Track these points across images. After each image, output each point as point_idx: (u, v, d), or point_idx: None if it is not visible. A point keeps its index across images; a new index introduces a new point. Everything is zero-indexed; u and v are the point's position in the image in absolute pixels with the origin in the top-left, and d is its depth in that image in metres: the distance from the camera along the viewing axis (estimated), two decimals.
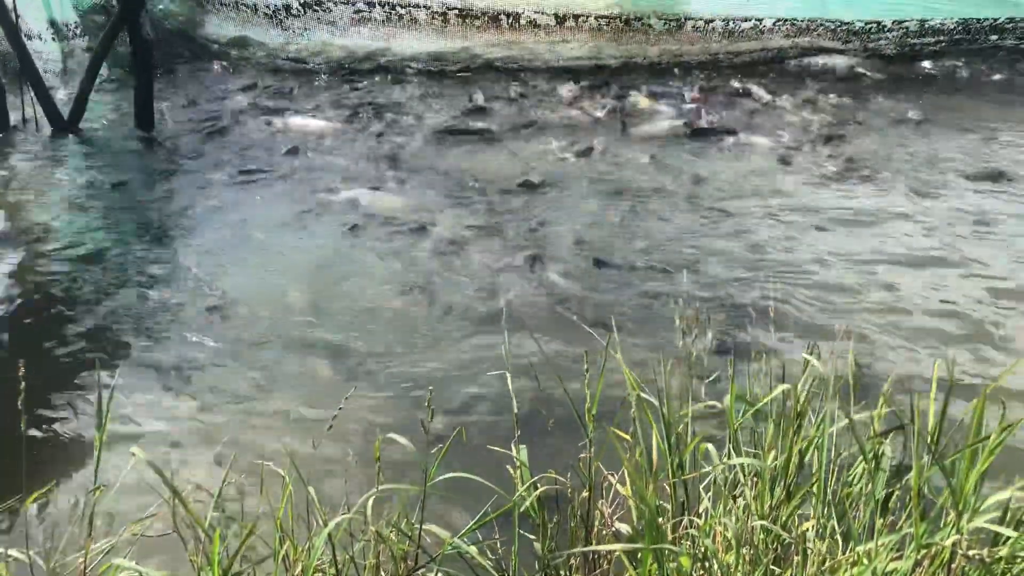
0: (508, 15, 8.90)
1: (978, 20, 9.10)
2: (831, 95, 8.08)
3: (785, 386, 2.35)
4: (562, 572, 2.27)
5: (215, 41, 9.23)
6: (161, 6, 8.76)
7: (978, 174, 6.27)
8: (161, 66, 8.11)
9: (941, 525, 2.00)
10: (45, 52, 8.49)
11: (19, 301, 4.58)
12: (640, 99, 8.05)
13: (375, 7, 8.89)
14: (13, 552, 2.08)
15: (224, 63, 8.90)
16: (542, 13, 8.91)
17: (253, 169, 6.50)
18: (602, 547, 2.10)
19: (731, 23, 8.98)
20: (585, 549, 2.18)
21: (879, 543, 1.87)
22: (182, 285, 4.74)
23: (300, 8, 9.01)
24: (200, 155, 6.85)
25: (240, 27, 9.19)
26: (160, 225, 5.61)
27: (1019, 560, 1.87)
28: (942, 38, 9.13)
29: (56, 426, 3.52)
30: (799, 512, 2.21)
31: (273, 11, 9.07)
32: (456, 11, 8.88)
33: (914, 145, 6.92)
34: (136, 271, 4.91)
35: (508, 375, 2.44)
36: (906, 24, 9.06)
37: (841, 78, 8.66)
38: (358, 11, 8.94)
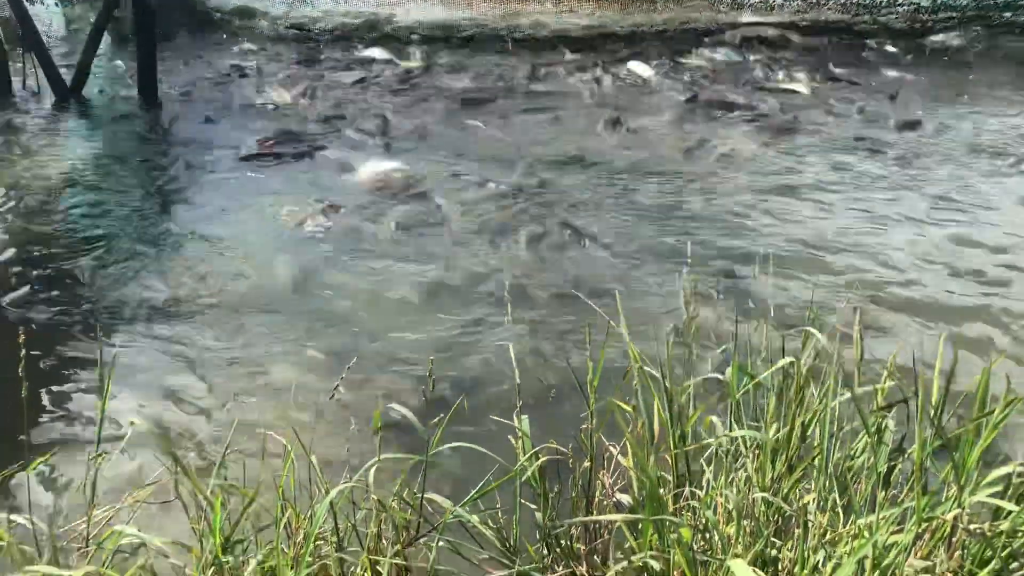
0: None
1: None
2: None
3: (789, 359, 2.34)
4: (563, 541, 2.28)
5: (217, 9, 9.18)
6: None
7: None
8: (162, 34, 8.06)
9: (943, 499, 2.00)
10: (47, 18, 8.44)
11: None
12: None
13: None
14: (16, 518, 2.09)
15: (226, 32, 8.85)
16: None
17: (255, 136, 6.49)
18: (603, 517, 2.10)
19: None
20: (586, 519, 2.18)
21: (880, 516, 1.86)
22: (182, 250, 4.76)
23: None
24: (203, 124, 6.83)
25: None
26: (161, 192, 5.60)
27: (1020, 534, 1.87)
28: (954, 14, 9.03)
29: (57, 392, 3.53)
30: (801, 485, 2.21)
31: None
32: None
33: None
34: (136, 234, 4.91)
35: (511, 346, 2.43)
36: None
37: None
38: None
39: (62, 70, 7.36)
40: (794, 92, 7.55)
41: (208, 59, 8.37)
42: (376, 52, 8.25)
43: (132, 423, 2.05)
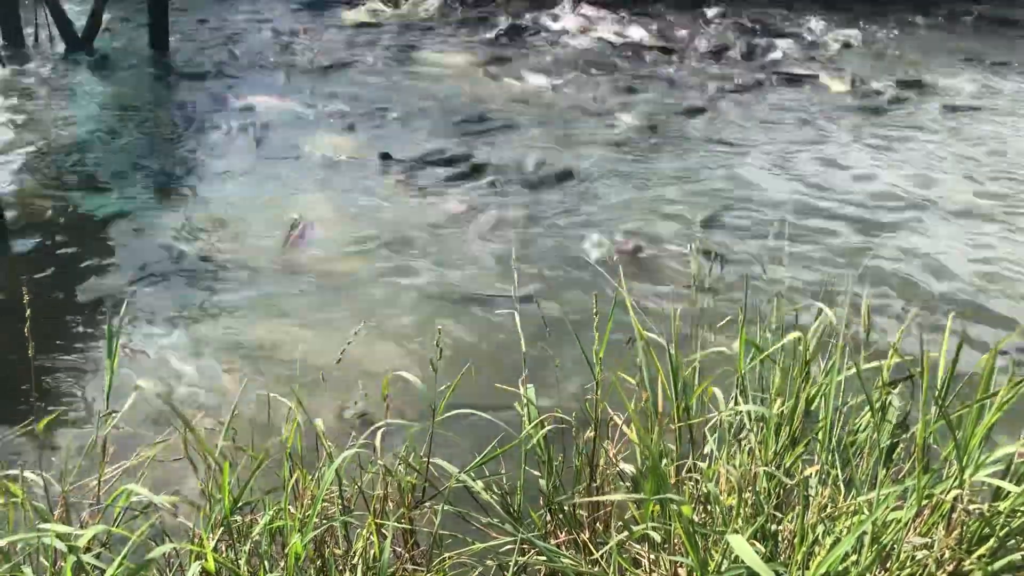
0: None
1: None
2: None
3: (796, 334, 2.34)
4: (566, 508, 2.30)
5: None
6: None
7: None
8: None
9: (944, 477, 2.01)
10: None
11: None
12: None
13: None
14: (28, 474, 2.12)
15: None
16: None
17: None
18: (605, 498, 2.11)
19: None
20: (590, 499, 2.20)
21: (881, 493, 1.87)
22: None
23: None
24: (212, 76, 6.80)
25: None
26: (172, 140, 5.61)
27: (1019, 514, 1.88)
28: None
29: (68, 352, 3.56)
30: (803, 459, 2.23)
31: None
32: None
33: None
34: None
35: (516, 314, 2.44)
36: None
37: None
38: None
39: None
40: None
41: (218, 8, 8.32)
42: None
43: (137, 387, 2.06)
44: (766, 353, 2.37)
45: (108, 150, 5.48)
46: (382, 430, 2.23)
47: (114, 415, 2.19)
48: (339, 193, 5.03)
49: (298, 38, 7.72)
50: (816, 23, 8.37)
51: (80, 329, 3.68)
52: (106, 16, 7.55)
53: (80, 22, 7.29)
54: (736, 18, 8.72)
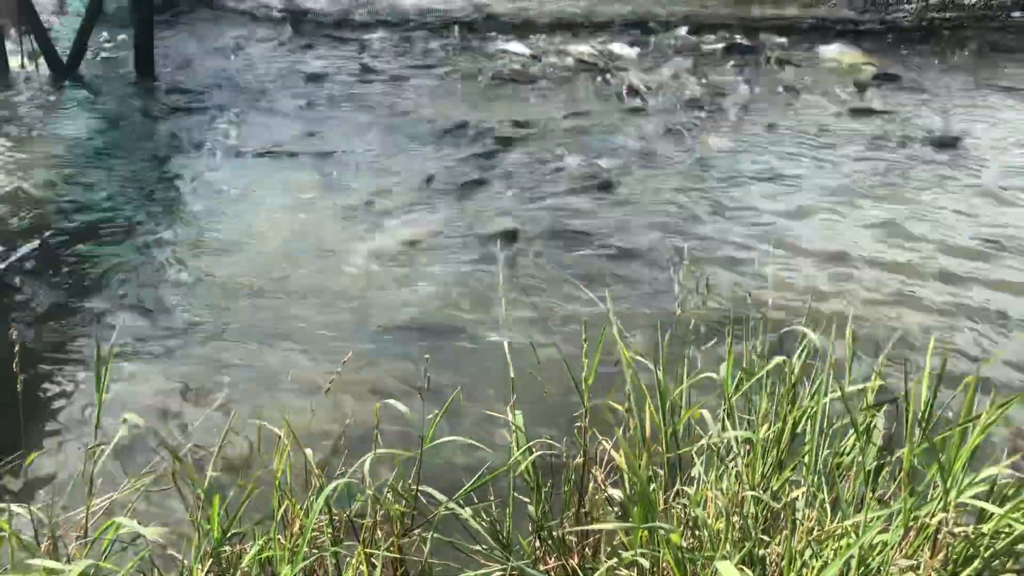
0: None
1: None
2: None
3: (781, 358, 2.36)
4: (555, 534, 2.31)
5: None
6: None
7: None
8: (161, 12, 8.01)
9: (929, 499, 2.03)
10: None
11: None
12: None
13: None
14: (15, 508, 2.11)
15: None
16: None
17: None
18: (595, 526, 2.12)
19: None
20: (579, 528, 2.21)
21: (867, 518, 1.89)
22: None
23: None
24: (197, 101, 6.80)
25: None
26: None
27: (1003, 536, 1.91)
28: (963, 13, 8.96)
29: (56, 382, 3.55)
30: (790, 481, 2.24)
31: None
32: None
33: None
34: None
35: (506, 343, 2.45)
36: None
37: None
38: None
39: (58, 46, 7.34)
40: None
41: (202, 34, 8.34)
42: None
43: (124, 420, 2.06)
44: (755, 378, 2.39)
45: (86, 179, 5.47)
46: (371, 458, 2.23)
47: (102, 447, 2.19)
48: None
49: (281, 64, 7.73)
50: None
51: (67, 361, 3.67)
52: (94, 41, 7.57)
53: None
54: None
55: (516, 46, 7.97)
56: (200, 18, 8.76)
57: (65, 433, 3.19)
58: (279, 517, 2.15)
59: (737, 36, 8.47)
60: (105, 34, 8.23)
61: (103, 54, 7.93)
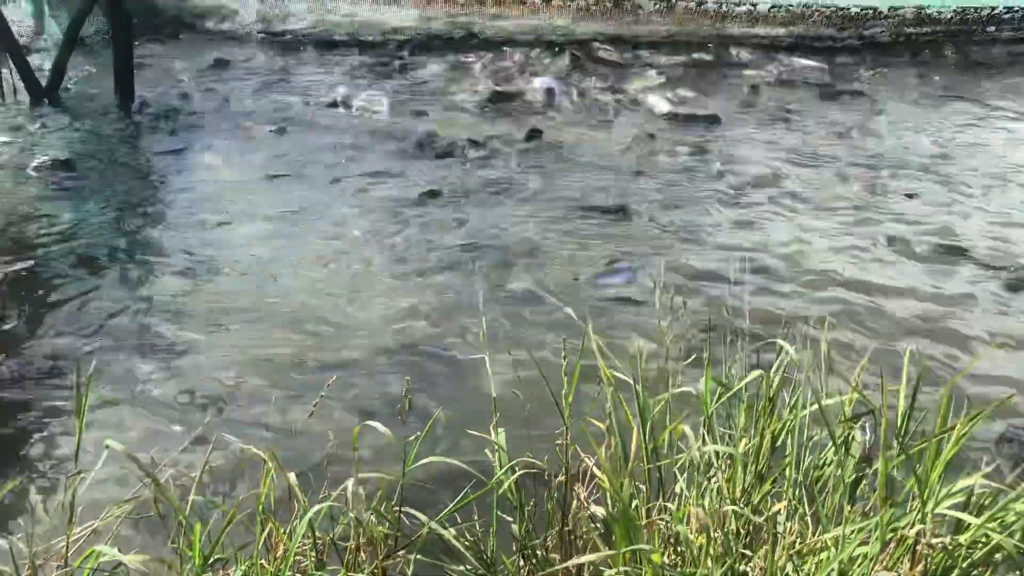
0: None
1: (976, 9, 9.07)
2: None
3: (759, 372, 2.38)
4: (539, 553, 2.31)
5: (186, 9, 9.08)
6: None
7: None
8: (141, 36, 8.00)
9: (907, 510, 2.05)
10: (20, 19, 8.38)
11: None
12: None
13: None
14: None
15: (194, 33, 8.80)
16: None
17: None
18: (577, 560, 2.11)
19: (724, 5, 8.90)
20: (563, 565, 2.21)
21: (846, 531, 1.91)
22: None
23: None
24: (178, 125, 6.80)
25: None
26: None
27: (980, 546, 1.93)
28: (938, 28, 9.07)
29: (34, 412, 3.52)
30: (771, 495, 2.26)
31: None
32: None
33: None
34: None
35: (487, 358, 2.46)
36: (901, 12, 9.01)
37: None
38: None
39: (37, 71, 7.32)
40: None
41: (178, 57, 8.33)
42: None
43: (107, 446, 2.05)
44: (731, 392, 2.41)
45: (63, 205, 5.45)
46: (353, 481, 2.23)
47: (82, 475, 2.18)
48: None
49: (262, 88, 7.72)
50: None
51: (47, 389, 3.64)
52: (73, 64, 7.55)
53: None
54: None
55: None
56: (180, 41, 8.77)
57: (45, 461, 3.17)
58: (262, 541, 2.14)
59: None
60: (84, 58, 8.21)
61: (83, 77, 7.92)
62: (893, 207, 5.72)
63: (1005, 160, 6.62)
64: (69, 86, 7.58)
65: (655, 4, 8.86)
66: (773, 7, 8.87)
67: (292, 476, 2.25)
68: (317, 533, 2.24)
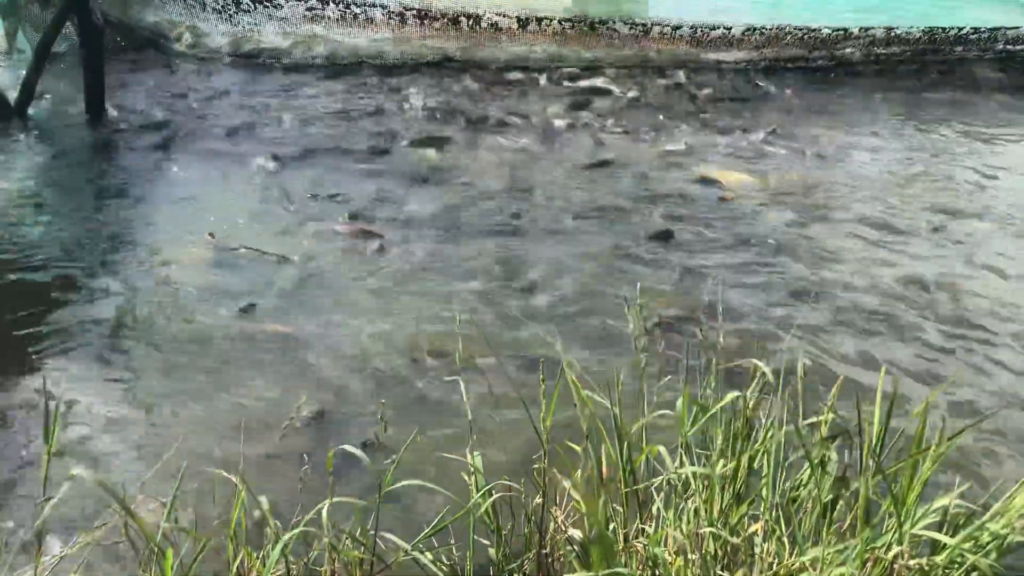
0: (468, 16, 8.78)
1: (944, 30, 9.22)
2: None
3: (735, 393, 2.39)
4: None
5: (156, 32, 9.02)
6: None
7: None
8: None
9: (884, 530, 2.06)
10: None
11: None
12: None
13: (328, 4, 8.76)
14: None
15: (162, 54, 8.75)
16: (504, 15, 8.80)
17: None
18: None
19: (699, 30, 8.97)
20: None
21: (824, 552, 1.91)
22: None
23: (250, 3, 8.82)
24: (148, 145, 6.74)
25: (187, 20, 8.97)
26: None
27: (956, 566, 1.94)
28: (907, 48, 9.22)
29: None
30: (748, 516, 2.26)
31: (222, 6, 8.87)
32: (414, 11, 8.76)
33: None
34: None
35: (462, 383, 2.45)
36: (872, 32, 9.14)
37: None
38: (311, 8, 8.78)
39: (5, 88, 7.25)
40: None
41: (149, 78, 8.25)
42: None
43: (72, 475, 2.01)
44: (709, 413, 2.41)
45: (30, 227, 5.37)
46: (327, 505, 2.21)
47: (50, 502, 2.14)
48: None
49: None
50: None
51: (12, 412, 3.57)
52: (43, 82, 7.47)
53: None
54: None
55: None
56: (152, 60, 8.71)
57: (11, 488, 3.10)
58: (235, 569, 2.11)
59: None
60: (54, 75, 8.14)
61: (52, 95, 7.84)
62: None
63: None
64: (39, 104, 7.51)
65: (631, 28, 8.91)
66: (747, 30, 8.97)
67: (264, 501, 2.22)
68: (291, 559, 2.22)
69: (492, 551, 2.32)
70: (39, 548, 2.12)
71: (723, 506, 2.27)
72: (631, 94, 8.19)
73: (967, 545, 1.94)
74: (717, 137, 7.14)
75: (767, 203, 5.77)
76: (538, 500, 2.34)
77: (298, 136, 6.92)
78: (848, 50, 9.16)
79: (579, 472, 2.20)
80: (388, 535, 2.24)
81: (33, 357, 3.90)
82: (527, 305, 4.35)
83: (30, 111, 7.38)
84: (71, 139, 6.96)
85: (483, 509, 2.25)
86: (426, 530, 2.27)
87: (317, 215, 5.45)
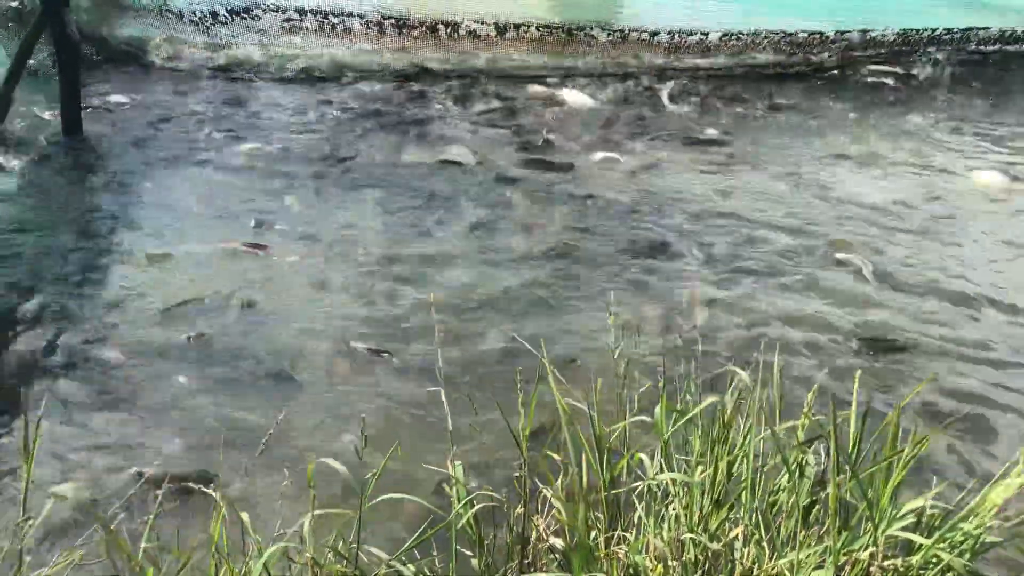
0: (447, 24, 8.76)
1: (917, 31, 9.32)
2: None
3: (714, 398, 2.41)
4: None
5: (133, 45, 8.95)
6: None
7: None
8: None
9: (860, 533, 2.08)
10: None
11: None
12: None
13: (306, 16, 8.72)
14: None
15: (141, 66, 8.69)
16: (482, 23, 8.78)
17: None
18: None
19: (676, 36, 9.01)
20: None
21: (800, 556, 1.94)
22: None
23: (227, 15, 8.77)
24: (124, 164, 6.69)
25: (165, 33, 8.89)
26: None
27: (931, 566, 1.96)
28: (883, 51, 9.31)
29: None
30: (729, 517, 2.28)
31: (200, 18, 8.81)
32: (392, 21, 8.73)
33: None
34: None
35: (443, 392, 2.46)
36: (848, 35, 9.22)
37: None
38: (288, 20, 8.75)
39: None
40: None
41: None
42: None
43: (53, 496, 2.00)
44: (686, 417, 2.43)
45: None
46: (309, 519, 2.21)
47: (31, 522, 2.13)
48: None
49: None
50: None
51: None
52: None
53: None
54: None
55: None
56: (132, 74, 8.65)
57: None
58: None
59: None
60: (31, 89, 8.07)
61: (29, 110, 7.78)
62: None
63: None
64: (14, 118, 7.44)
65: (608, 35, 8.93)
66: (724, 36, 9.03)
67: (245, 516, 2.22)
68: (273, 573, 2.21)
69: (475, 562, 2.33)
70: (20, 568, 2.12)
71: (703, 512, 2.28)
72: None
73: (942, 545, 1.96)
74: None
75: None
76: (519, 510, 2.35)
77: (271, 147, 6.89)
78: None
79: (559, 481, 2.21)
80: (370, 547, 2.24)
81: None
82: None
83: (5, 124, 7.32)
84: (46, 153, 6.91)
85: (465, 520, 2.26)
86: (408, 541, 2.27)
87: None
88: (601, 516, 2.36)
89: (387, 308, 4.48)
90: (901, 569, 1.94)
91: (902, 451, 1.98)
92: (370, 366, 4.00)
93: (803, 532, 2.13)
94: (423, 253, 5.07)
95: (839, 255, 5.18)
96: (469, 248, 5.16)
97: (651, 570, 2.12)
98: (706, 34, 9.09)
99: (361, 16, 8.82)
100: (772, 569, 2.06)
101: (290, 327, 4.31)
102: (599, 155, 6.77)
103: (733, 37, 9.13)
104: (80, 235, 5.32)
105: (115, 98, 8.00)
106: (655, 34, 9.01)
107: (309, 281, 4.76)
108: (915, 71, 9.04)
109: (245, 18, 8.77)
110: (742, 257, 5.14)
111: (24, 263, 4.92)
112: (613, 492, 2.35)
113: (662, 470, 2.41)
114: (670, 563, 2.09)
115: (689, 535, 2.15)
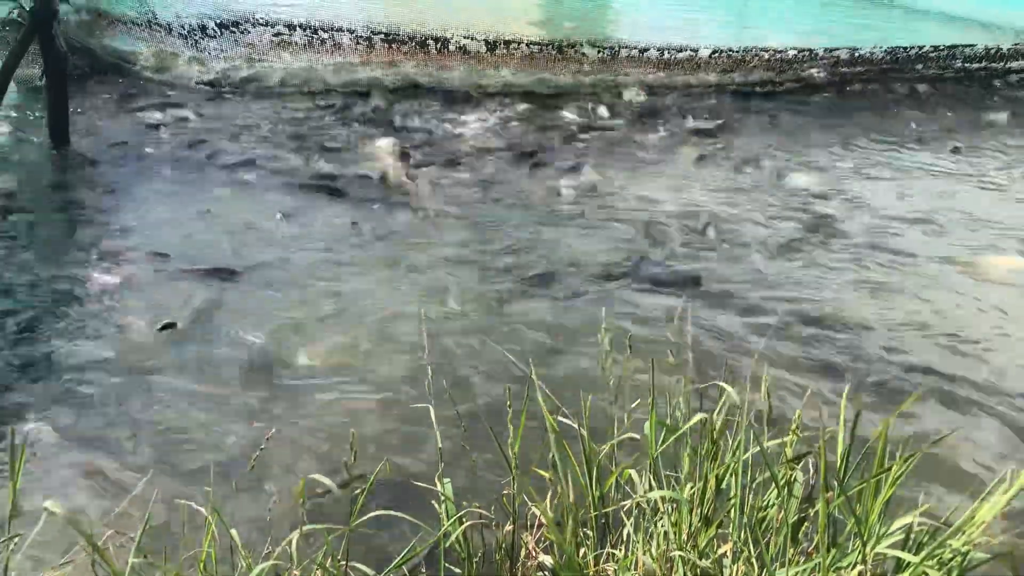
0: (436, 40, 8.78)
1: (905, 49, 9.42)
2: None
3: (703, 415, 2.41)
4: None
5: (122, 59, 8.94)
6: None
7: None
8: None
9: (849, 550, 2.09)
10: None
11: None
12: None
13: (296, 30, 8.73)
14: None
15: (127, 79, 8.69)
16: (472, 39, 8.80)
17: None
18: None
19: (666, 53, 9.06)
20: None
21: (789, 573, 1.94)
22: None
23: (216, 29, 8.78)
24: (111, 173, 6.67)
25: (153, 47, 8.89)
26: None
27: None
28: (871, 67, 9.41)
29: None
30: (718, 534, 2.28)
31: (188, 31, 8.80)
32: (382, 36, 8.74)
33: None
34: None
35: (432, 408, 2.46)
36: (837, 53, 9.31)
37: None
38: (277, 34, 8.76)
39: None
40: None
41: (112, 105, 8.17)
42: None
43: (45, 509, 1.99)
44: (676, 435, 2.43)
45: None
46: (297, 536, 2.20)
47: (18, 538, 2.11)
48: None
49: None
50: None
51: None
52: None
53: None
54: None
55: None
56: (120, 86, 8.64)
57: None
58: None
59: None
60: (18, 98, 8.03)
61: (15, 118, 7.74)
62: None
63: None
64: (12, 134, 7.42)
65: (599, 52, 8.98)
66: (714, 52, 9.10)
67: (234, 532, 2.21)
68: None
69: None
70: None
71: (692, 529, 2.28)
72: None
73: (931, 563, 1.97)
74: None
75: None
76: (508, 527, 2.34)
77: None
78: None
79: (548, 499, 2.21)
80: (359, 565, 2.23)
81: None
82: None
83: None
84: (33, 162, 6.88)
85: (453, 538, 2.25)
86: (396, 559, 2.27)
87: None
88: (590, 533, 2.36)
89: None
90: None
91: (890, 468, 1.99)
92: None
93: (792, 549, 2.14)
94: None
95: None
96: None
97: None
98: (696, 49, 9.21)
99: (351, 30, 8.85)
100: None
101: None
102: None
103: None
104: None
105: (108, 111, 8.00)
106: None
107: None
108: None
109: (234, 32, 8.79)
110: None
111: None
112: (603, 511, 2.35)
113: (651, 487, 2.41)
114: None
115: (678, 552, 2.15)
